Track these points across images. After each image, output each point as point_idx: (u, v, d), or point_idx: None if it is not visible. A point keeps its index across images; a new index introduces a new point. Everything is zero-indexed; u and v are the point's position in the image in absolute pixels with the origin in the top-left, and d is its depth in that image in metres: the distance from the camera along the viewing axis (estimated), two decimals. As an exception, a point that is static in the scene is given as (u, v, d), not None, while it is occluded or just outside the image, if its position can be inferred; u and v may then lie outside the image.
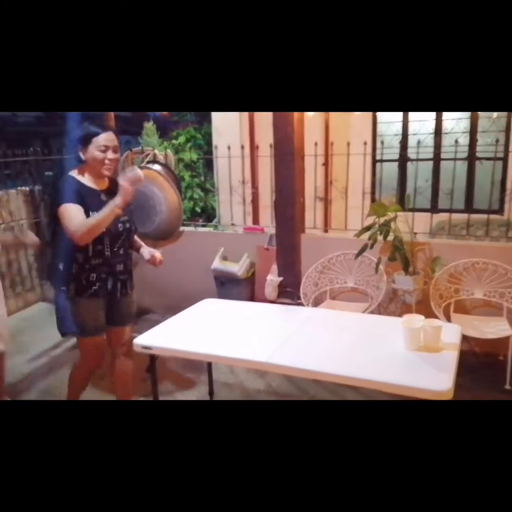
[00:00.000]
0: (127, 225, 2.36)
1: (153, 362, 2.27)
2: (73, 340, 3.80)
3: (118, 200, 2.13)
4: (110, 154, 2.21)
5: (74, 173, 2.26)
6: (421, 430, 1.16)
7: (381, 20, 1.20)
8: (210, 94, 1.32)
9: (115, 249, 2.30)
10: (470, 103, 1.27)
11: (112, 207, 2.13)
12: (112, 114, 4.35)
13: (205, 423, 1.23)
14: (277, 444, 1.15)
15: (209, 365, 2.80)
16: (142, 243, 2.54)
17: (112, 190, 2.29)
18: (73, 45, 1.25)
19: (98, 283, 2.28)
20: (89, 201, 2.20)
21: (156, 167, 4.13)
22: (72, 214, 2.13)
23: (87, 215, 2.16)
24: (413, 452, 1.11)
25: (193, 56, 1.27)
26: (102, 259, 2.26)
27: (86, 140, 2.19)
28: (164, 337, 2.28)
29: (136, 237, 2.51)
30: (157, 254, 2.43)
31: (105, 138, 2.18)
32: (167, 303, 2.95)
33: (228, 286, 4.02)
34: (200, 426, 1.22)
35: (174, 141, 6.48)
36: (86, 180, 2.25)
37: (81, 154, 2.21)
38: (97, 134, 2.17)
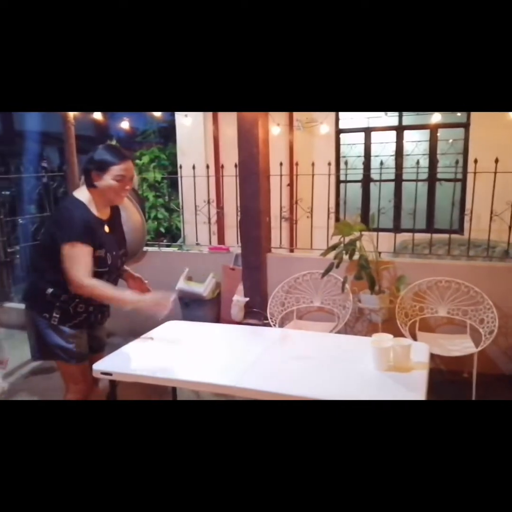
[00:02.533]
0: (124, 259, 2.27)
1: (113, 388, 2.16)
2: (30, 366, 3.64)
3: (136, 301, 2.02)
4: (126, 184, 2.08)
5: (81, 196, 2.08)
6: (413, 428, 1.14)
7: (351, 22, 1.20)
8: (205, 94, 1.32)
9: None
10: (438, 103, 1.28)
11: (127, 300, 2.03)
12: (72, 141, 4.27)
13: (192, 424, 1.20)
14: (261, 445, 1.13)
15: (174, 390, 2.70)
16: (127, 269, 2.38)
17: (113, 220, 2.20)
18: (69, 45, 1.24)
19: (84, 315, 2.17)
20: (95, 233, 2.05)
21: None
22: (81, 260, 1.97)
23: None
24: (401, 452, 1.09)
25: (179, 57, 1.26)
26: None
27: (102, 167, 2.03)
28: (125, 361, 2.18)
29: None
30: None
31: (124, 167, 2.04)
32: (129, 326, 2.85)
33: (193, 307, 3.93)
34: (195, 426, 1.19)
35: (137, 161, 6.41)
36: (93, 207, 2.09)
37: (94, 180, 2.05)
38: (114, 163, 2.03)
